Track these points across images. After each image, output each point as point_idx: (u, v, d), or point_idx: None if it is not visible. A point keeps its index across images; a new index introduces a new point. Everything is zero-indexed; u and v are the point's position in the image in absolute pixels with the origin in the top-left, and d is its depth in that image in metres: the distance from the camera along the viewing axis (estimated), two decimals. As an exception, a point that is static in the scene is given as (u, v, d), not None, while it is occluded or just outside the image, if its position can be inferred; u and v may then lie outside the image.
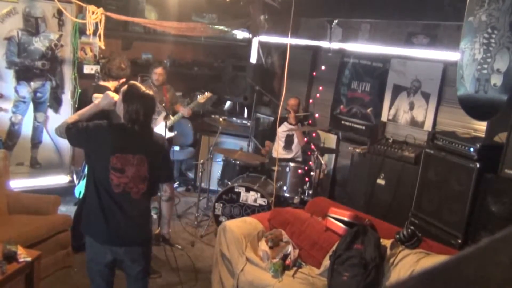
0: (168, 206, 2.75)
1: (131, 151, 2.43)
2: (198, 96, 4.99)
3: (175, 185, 5.95)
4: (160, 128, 4.47)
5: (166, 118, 4.32)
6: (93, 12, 3.91)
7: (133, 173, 2.43)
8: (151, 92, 2.58)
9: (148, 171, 2.48)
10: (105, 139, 2.44)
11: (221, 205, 4.54)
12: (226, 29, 5.83)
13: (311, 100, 5.78)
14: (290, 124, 5.24)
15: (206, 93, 5.03)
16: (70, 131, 2.45)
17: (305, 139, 5.20)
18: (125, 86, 2.56)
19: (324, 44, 5.36)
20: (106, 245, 2.54)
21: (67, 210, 4.47)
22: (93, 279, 2.67)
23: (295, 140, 5.26)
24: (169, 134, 4.65)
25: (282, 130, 5.22)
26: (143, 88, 2.55)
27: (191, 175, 6.20)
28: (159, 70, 4.90)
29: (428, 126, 4.48)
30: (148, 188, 2.52)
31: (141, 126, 2.46)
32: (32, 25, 4.61)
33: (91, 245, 2.58)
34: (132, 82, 2.63)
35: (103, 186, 2.44)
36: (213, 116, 5.85)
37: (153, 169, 2.50)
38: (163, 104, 4.84)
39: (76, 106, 4.85)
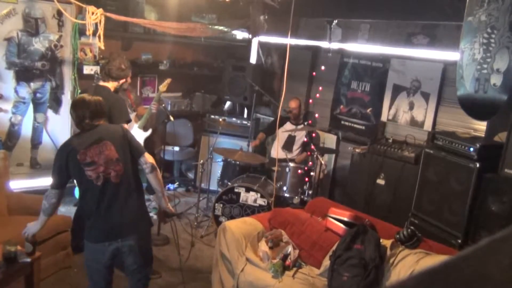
0: (154, 177, 2.73)
1: (93, 143, 2.58)
2: (159, 87, 4.89)
3: (175, 185, 5.95)
4: (134, 131, 4.44)
5: (136, 118, 4.35)
6: (92, 13, 3.91)
7: (103, 159, 2.56)
8: (96, 98, 2.74)
9: (117, 152, 2.61)
10: (69, 152, 2.59)
11: (221, 205, 4.54)
12: (225, 29, 5.82)
13: (311, 100, 5.78)
14: (292, 124, 5.23)
15: (166, 80, 4.90)
16: (58, 187, 2.67)
17: (305, 139, 5.20)
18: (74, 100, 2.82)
19: (323, 44, 5.36)
20: (103, 243, 2.60)
21: (67, 211, 4.47)
22: (92, 277, 2.72)
23: (297, 142, 5.26)
24: (145, 134, 4.65)
25: (285, 130, 5.22)
26: (86, 96, 2.75)
27: (191, 175, 6.21)
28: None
29: (428, 126, 4.49)
30: (125, 169, 2.62)
31: (90, 124, 2.63)
32: (32, 26, 4.61)
33: (89, 246, 2.66)
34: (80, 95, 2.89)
35: (87, 189, 2.59)
36: (212, 116, 5.86)
37: (120, 149, 2.63)
38: (133, 107, 4.84)
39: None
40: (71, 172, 2.60)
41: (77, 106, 2.67)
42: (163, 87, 4.64)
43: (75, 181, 2.79)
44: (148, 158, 2.71)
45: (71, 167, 2.58)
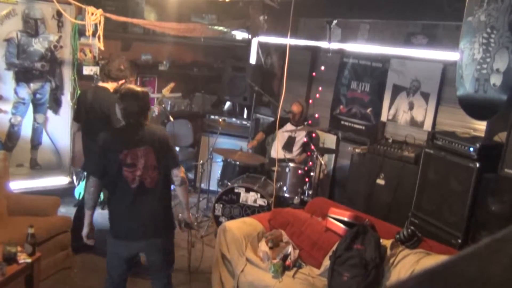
0: (182, 191, 2.84)
1: (136, 145, 2.63)
2: (163, 90, 4.90)
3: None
4: None
5: None
6: (92, 13, 3.91)
7: (143, 164, 2.63)
8: (143, 90, 2.76)
9: (156, 160, 2.66)
10: (111, 147, 2.64)
11: (221, 205, 4.54)
12: (225, 29, 5.83)
13: (310, 101, 5.78)
14: (293, 125, 5.22)
15: (169, 84, 4.89)
16: (95, 174, 2.68)
17: (305, 139, 5.20)
18: (120, 88, 2.79)
19: (323, 44, 5.36)
20: (128, 241, 2.71)
21: (67, 211, 4.47)
22: (110, 271, 2.83)
23: (297, 142, 5.25)
24: None
25: (285, 130, 5.21)
26: (135, 88, 2.76)
27: (191, 175, 6.20)
28: (133, 77, 4.84)
29: (427, 126, 4.49)
30: (160, 176, 2.69)
31: (137, 121, 2.66)
32: (32, 27, 4.61)
33: (112, 243, 2.74)
34: (127, 85, 2.81)
35: (121, 187, 2.64)
36: (212, 116, 5.86)
37: (159, 158, 2.68)
38: None
39: (75, 107, 4.85)
40: (109, 166, 2.64)
41: (125, 97, 2.66)
42: (166, 91, 4.66)
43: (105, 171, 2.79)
44: (181, 171, 2.81)
45: (111, 161, 2.62)
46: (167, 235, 2.82)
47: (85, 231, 2.74)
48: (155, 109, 4.68)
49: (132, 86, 2.78)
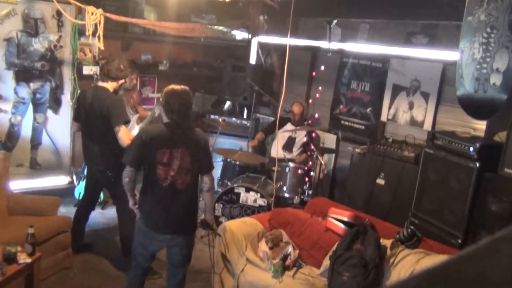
0: (209, 196, 2.98)
1: (174, 146, 2.73)
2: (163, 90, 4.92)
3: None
4: (135, 132, 4.46)
5: (139, 119, 4.35)
6: (92, 13, 3.90)
7: (177, 165, 2.72)
8: (184, 88, 2.89)
9: (190, 164, 2.76)
10: (152, 142, 2.74)
11: (221, 205, 4.54)
12: (225, 29, 5.82)
13: (310, 100, 5.78)
14: (293, 125, 5.22)
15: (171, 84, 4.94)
16: (131, 164, 2.82)
17: (305, 139, 5.20)
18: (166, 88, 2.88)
19: (323, 44, 5.36)
20: (154, 232, 2.85)
21: (67, 211, 4.47)
22: (135, 257, 3.01)
23: (297, 143, 5.25)
24: None
25: (285, 130, 5.21)
26: (177, 86, 2.88)
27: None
28: (134, 75, 4.85)
29: (427, 125, 4.48)
30: (192, 179, 2.80)
31: (180, 121, 2.78)
32: (32, 26, 4.61)
33: (141, 229, 2.91)
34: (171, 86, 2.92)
35: (153, 183, 2.76)
36: (212, 116, 5.86)
37: (194, 162, 2.78)
38: (134, 109, 4.84)
39: (75, 107, 4.85)
40: (144, 160, 2.76)
41: (168, 96, 2.81)
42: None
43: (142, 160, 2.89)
44: (209, 178, 2.90)
45: (148, 156, 2.73)
46: (190, 234, 2.96)
47: (131, 203, 2.94)
48: (156, 110, 4.70)
49: (176, 86, 2.89)
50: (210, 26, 5.56)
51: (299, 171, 4.73)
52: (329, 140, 5.46)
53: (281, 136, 5.23)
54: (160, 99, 2.90)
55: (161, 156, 2.70)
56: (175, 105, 2.76)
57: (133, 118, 4.48)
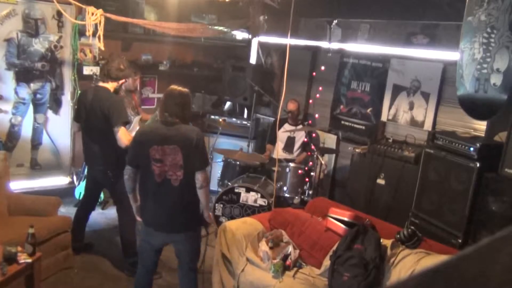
0: (202, 193, 2.92)
1: (165, 143, 2.76)
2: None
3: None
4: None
5: (140, 122, 4.35)
6: (92, 14, 3.90)
7: (170, 161, 2.76)
8: (183, 90, 2.93)
9: (182, 160, 2.77)
10: (143, 139, 2.83)
11: (222, 205, 4.54)
12: (225, 29, 5.82)
13: (311, 100, 5.78)
14: (291, 125, 5.22)
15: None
16: (130, 163, 2.91)
17: (305, 139, 5.20)
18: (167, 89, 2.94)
19: (323, 44, 5.36)
20: (154, 230, 2.91)
21: (67, 211, 4.47)
22: (141, 255, 3.11)
23: (297, 142, 5.25)
24: None
25: (284, 130, 5.21)
26: (176, 87, 2.93)
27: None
28: (138, 77, 4.84)
29: (428, 125, 4.49)
30: (185, 176, 2.80)
31: (172, 120, 2.80)
32: (32, 27, 4.62)
33: (143, 226, 3.01)
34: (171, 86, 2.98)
35: (148, 179, 2.82)
36: (213, 116, 5.85)
37: (187, 158, 2.78)
38: (136, 110, 4.84)
39: (76, 107, 4.86)
40: (139, 158, 2.83)
41: (165, 96, 2.89)
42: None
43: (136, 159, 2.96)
44: (201, 175, 2.87)
45: (142, 154, 2.79)
46: (189, 230, 2.95)
47: (134, 209, 3.02)
48: (158, 113, 4.70)
49: (175, 86, 2.94)
50: (210, 26, 5.56)
51: (299, 171, 4.73)
52: (329, 140, 5.46)
53: (281, 137, 5.24)
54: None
55: (153, 153, 2.75)
56: (170, 105, 2.82)
57: (135, 119, 4.49)
